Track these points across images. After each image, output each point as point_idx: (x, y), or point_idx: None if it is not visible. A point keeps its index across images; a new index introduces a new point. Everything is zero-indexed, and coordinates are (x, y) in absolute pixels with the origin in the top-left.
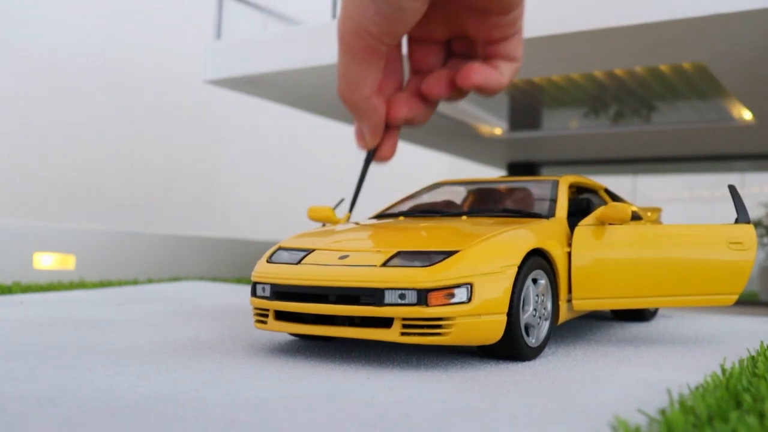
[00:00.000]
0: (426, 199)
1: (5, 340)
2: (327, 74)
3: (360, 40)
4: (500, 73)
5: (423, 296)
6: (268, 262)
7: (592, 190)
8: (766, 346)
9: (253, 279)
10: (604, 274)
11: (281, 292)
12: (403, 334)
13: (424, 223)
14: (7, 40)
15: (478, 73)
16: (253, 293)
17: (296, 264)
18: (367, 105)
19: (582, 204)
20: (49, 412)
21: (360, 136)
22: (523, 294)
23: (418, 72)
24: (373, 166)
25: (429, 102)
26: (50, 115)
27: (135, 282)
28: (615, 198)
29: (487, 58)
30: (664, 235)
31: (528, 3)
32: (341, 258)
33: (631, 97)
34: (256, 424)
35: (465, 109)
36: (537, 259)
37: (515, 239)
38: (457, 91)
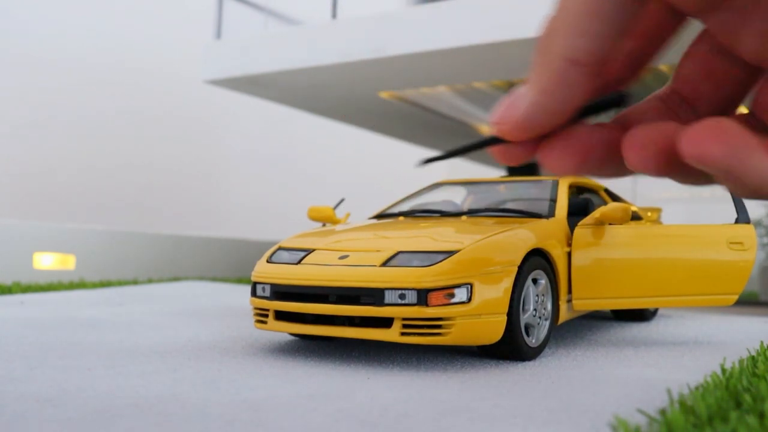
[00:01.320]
0: (426, 199)
1: (5, 340)
2: (327, 74)
3: None
4: None
5: (423, 296)
6: (268, 262)
7: (592, 190)
8: (766, 346)
9: (253, 279)
10: (604, 274)
11: (281, 292)
12: (403, 334)
13: (424, 223)
14: (7, 39)
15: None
16: (253, 293)
17: (296, 264)
18: (566, 66)
19: (582, 204)
20: (49, 412)
21: (512, 106)
22: (523, 294)
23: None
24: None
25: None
26: (50, 114)
27: (135, 282)
28: (615, 198)
29: None
30: (664, 235)
31: (528, 3)
32: (341, 258)
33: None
34: (256, 424)
35: (465, 109)
36: (537, 259)
37: (515, 239)
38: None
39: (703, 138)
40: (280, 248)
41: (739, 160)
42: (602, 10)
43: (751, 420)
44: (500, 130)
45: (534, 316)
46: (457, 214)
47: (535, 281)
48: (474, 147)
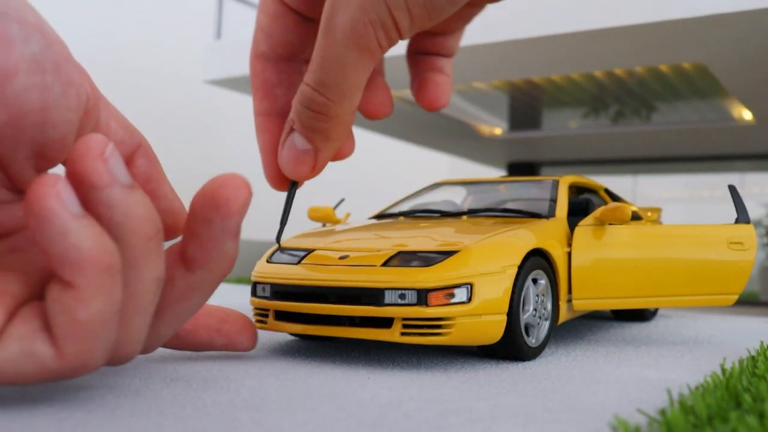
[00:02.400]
0: (426, 199)
1: None
2: None
3: (377, 33)
4: (451, 81)
5: (423, 296)
6: (268, 262)
7: (592, 190)
8: (766, 346)
9: (253, 279)
10: (604, 274)
11: (281, 292)
12: (403, 334)
13: (424, 223)
14: None
15: (445, 93)
16: (253, 293)
17: (296, 264)
18: (350, 118)
19: (582, 204)
20: (49, 412)
21: (302, 161)
22: (523, 294)
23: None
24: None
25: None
26: None
27: None
28: (615, 198)
29: (437, 54)
30: (664, 235)
31: (528, 3)
32: (341, 258)
33: (631, 97)
34: (256, 424)
35: (465, 109)
36: (537, 259)
37: (515, 239)
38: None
39: (438, 95)
40: (280, 248)
41: (448, 96)
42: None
43: (751, 420)
44: (311, 173)
45: (534, 316)
46: (457, 214)
47: (535, 281)
48: (289, 204)
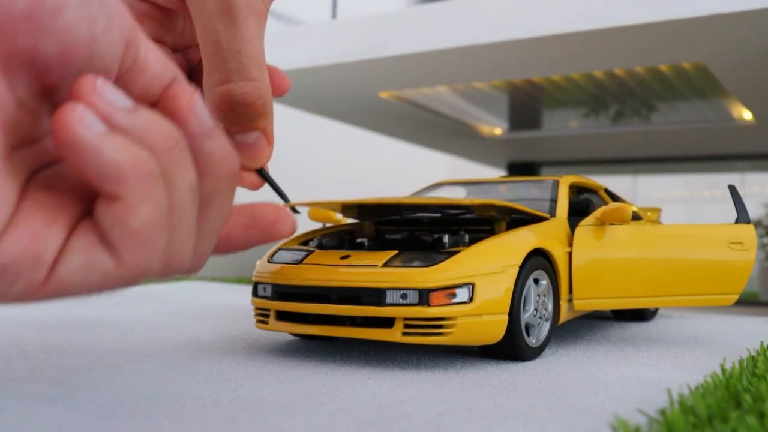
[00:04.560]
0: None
1: (6, 340)
2: (327, 74)
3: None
4: None
5: (424, 296)
6: (269, 262)
7: (592, 190)
8: (766, 346)
9: (255, 279)
10: (604, 274)
11: (282, 292)
12: (404, 334)
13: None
14: None
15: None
16: (255, 293)
17: (297, 264)
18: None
19: (582, 204)
20: (49, 412)
21: (258, 149)
22: (524, 294)
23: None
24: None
25: None
26: None
27: None
28: (615, 198)
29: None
30: (665, 235)
31: (528, 3)
32: (342, 258)
33: (631, 97)
34: (256, 424)
35: (465, 109)
36: (538, 259)
37: (516, 239)
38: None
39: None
40: (281, 248)
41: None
42: None
43: (751, 420)
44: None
45: (535, 316)
46: (458, 214)
47: (536, 281)
48: (273, 182)
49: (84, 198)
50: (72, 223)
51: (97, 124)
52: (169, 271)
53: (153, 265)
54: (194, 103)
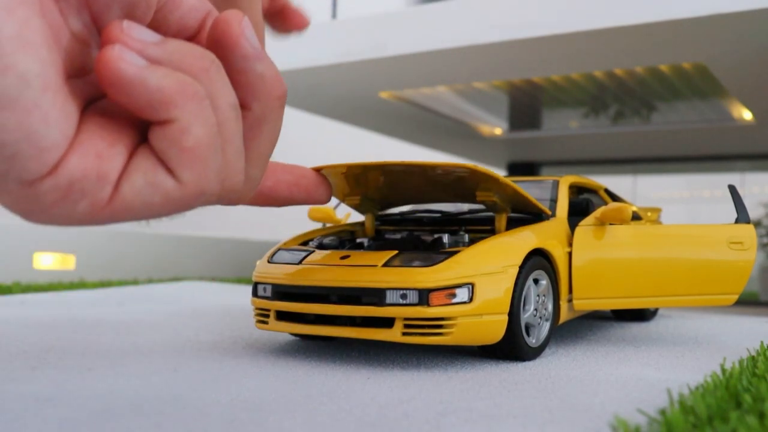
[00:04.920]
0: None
1: (5, 340)
2: (327, 74)
3: None
4: None
5: (424, 296)
6: (269, 262)
7: (592, 190)
8: (766, 346)
9: (255, 279)
10: (604, 274)
11: (282, 292)
12: (404, 334)
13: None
14: None
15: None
16: (255, 293)
17: (297, 264)
18: None
19: (582, 204)
20: (49, 412)
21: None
22: (523, 294)
23: None
24: None
25: None
26: None
27: (135, 282)
28: (615, 198)
29: None
30: (665, 235)
31: (528, 3)
32: (342, 258)
33: (631, 97)
34: (256, 424)
35: (465, 109)
36: (538, 259)
37: (516, 239)
38: None
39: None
40: (281, 248)
41: None
42: None
43: (751, 420)
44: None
45: (535, 316)
46: (458, 214)
47: (536, 281)
48: None
49: (138, 127)
50: (131, 147)
51: (136, 58)
52: (224, 194)
53: (210, 185)
54: (244, 27)
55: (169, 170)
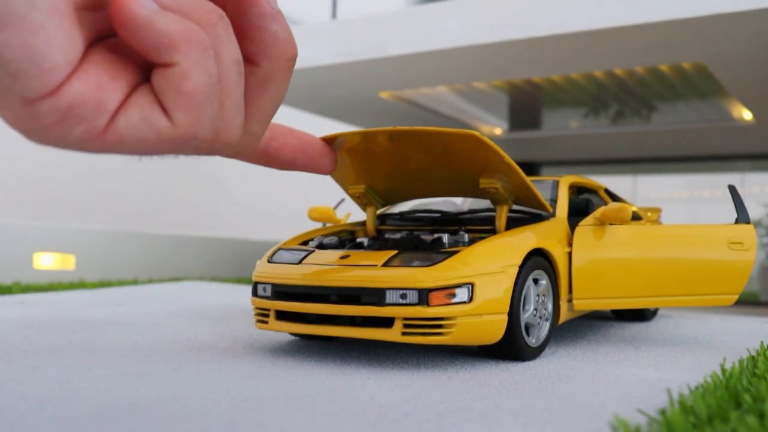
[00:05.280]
0: (426, 199)
1: (5, 340)
2: (327, 74)
3: None
4: None
5: (424, 296)
6: (269, 262)
7: (592, 190)
8: (766, 346)
9: (254, 279)
10: (604, 274)
11: (282, 291)
12: (404, 333)
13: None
14: None
15: None
16: (254, 293)
17: (297, 264)
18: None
19: (582, 204)
20: (49, 412)
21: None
22: (523, 294)
23: None
24: None
25: None
26: None
27: (135, 282)
28: (615, 198)
29: None
30: (665, 235)
31: (528, 3)
32: (342, 258)
33: (631, 97)
34: (256, 424)
35: (465, 109)
36: (538, 259)
37: (516, 239)
38: None
39: None
40: (280, 248)
41: None
42: None
43: (751, 420)
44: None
45: (534, 316)
46: (458, 214)
47: (536, 281)
48: None
49: (141, 68)
50: (132, 84)
51: (149, 2)
52: (219, 145)
53: (202, 131)
54: None
55: (165, 111)
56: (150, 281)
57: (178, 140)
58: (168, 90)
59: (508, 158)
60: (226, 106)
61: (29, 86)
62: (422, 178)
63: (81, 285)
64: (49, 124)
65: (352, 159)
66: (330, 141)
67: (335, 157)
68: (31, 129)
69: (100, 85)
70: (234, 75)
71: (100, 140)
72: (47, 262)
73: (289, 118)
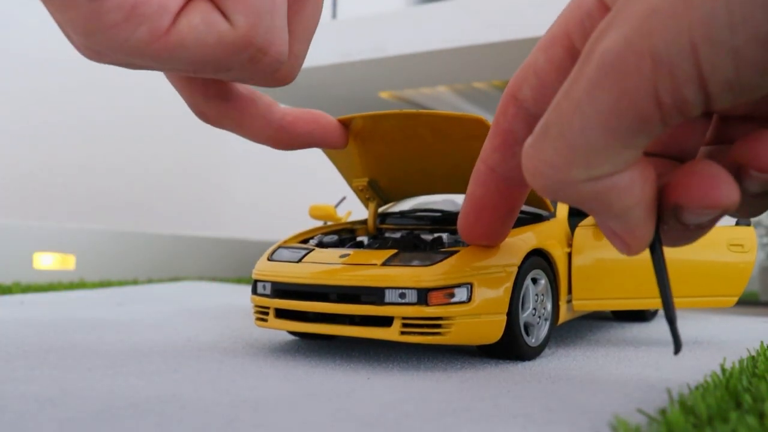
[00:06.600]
0: (426, 198)
1: (5, 340)
2: (327, 74)
3: (659, 83)
4: None
5: (423, 295)
6: (269, 260)
7: None
8: (766, 346)
9: (254, 277)
10: (604, 274)
11: (282, 290)
12: (403, 333)
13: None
14: (7, 39)
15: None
16: (254, 291)
17: (297, 262)
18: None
19: None
20: (49, 412)
21: (612, 234)
22: (522, 294)
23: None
24: None
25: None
26: (50, 114)
27: (135, 282)
28: None
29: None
30: None
31: (528, 3)
32: (342, 257)
33: None
34: (256, 424)
35: (465, 109)
36: (537, 259)
37: (516, 239)
38: None
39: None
40: (281, 246)
41: None
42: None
43: (751, 420)
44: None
45: (534, 316)
46: (458, 213)
47: (534, 281)
48: (660, 269)
49: None
50: None
51: None
52: (270, 58)
53: (259, 38)
54: None
55: (225, 15)
56: (150, 281)
57: (237, 45)
58: None
59: None
60: (276, 17)
61: None
62: (426, 171)
63: (81, 285)
64: (113, 24)
65: (356, 145)
66: (342, 122)
67: (347, 133)
68: (94, 30)
69: None
70: None
71: (162, 42)
72: (47, 262)
73: None
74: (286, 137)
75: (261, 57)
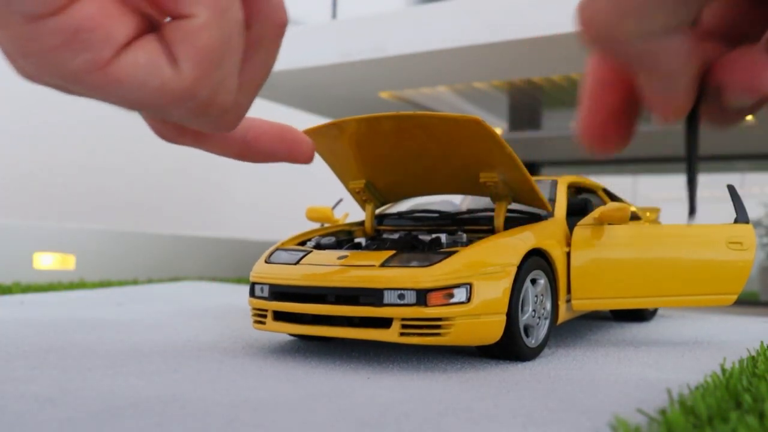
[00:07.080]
0: (425, 199)
1: (5, 340)
2: (327, 74)
3: None
4: None
5: (422, 296)
6: (266, 262)
7: (591, 190)
8: (766, 346)
9: (252, 279)
10: (603, 274)
11: (280, 292)
12: (402, 334)
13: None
14: None
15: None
16: (252, 294)
17: (295, 264)
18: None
19: (581, 204)
20: (49, 412)
21: (653, 97)
22: (522, 294)
23: None
24: None
25: None
26: (50, 114)
27: (135, 282)
28: (614, 198)
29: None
30: (664, 235)
31: (528, 3)
32: (340, 258)
33: None
34: (256, 424)
35: (465, 109)
36: (536, 259)
37: (515, 239)
38: None
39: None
40: (278, 249)
41: None
42: None
43: (751, 420)
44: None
45: (533, 316)
46: (456, 214)
47: (534, 281)
48: (692, 150)
49: (152, 22)
50: (141, 28)
51: None
52: (212, 108)
53: (205, 89)
54: None
55: (174, 61)
56: (150, 281)
57: (179, 94)
58: (183, 40)
59: (509, 148)
60: (227, 67)
61: (35, 0)
62: (422, 172)
63: (81, 285)
64: (51, 48)
65: (353, 148)
66: (309, 133)
67: (314, 146)
68: (30, 52)
69: (111, 15)
70: (236, 35)
71: (101, 74)
72: (47, 262)
73: (289, 118)
74: (248, 153)
75: (204, 109)
